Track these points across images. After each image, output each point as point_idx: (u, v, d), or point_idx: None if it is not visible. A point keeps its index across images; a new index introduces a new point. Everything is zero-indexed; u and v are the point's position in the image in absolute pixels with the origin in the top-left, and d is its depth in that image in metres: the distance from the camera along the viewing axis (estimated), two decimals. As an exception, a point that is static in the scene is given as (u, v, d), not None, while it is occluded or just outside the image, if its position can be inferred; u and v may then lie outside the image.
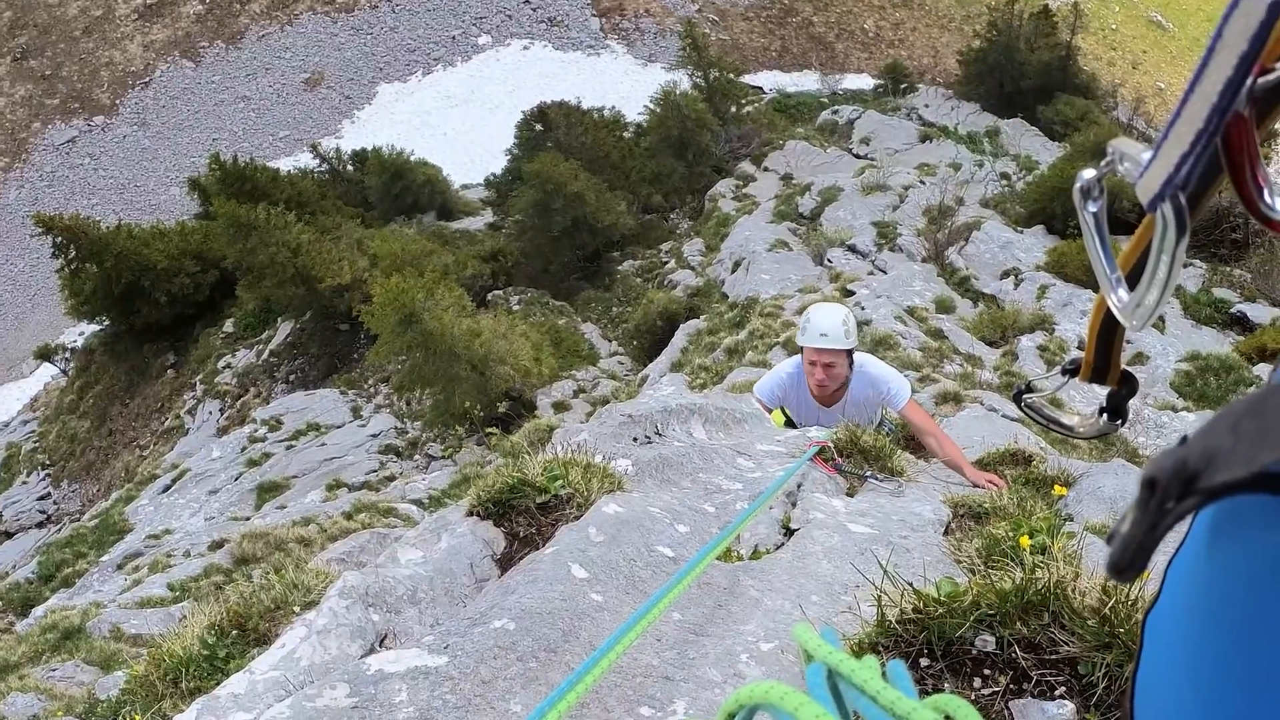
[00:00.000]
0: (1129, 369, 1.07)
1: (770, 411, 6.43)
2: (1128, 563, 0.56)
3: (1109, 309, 0.94)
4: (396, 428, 29.24)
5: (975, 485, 5.01)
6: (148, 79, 69.26)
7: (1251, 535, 0.57)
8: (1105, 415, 1.12)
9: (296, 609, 4.55)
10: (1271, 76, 0.63)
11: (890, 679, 0.76)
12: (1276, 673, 0.53)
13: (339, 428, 30.04)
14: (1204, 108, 0.63)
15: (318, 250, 36.56)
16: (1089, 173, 0.84)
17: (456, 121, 64.43)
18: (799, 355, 6.30)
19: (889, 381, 6.14)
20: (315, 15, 70.38)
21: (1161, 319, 18.66)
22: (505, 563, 3.57)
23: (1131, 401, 1.13)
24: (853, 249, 26.43)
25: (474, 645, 2.52)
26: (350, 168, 55.63)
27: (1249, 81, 0.62)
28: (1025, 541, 2.87)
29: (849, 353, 6.04)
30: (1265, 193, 0.70)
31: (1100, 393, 1.12)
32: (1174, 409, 14.81)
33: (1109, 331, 1.02)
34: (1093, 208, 0.85)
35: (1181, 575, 0.70)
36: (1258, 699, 0.55)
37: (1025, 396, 1.32)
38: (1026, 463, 5.61)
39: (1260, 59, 0.61)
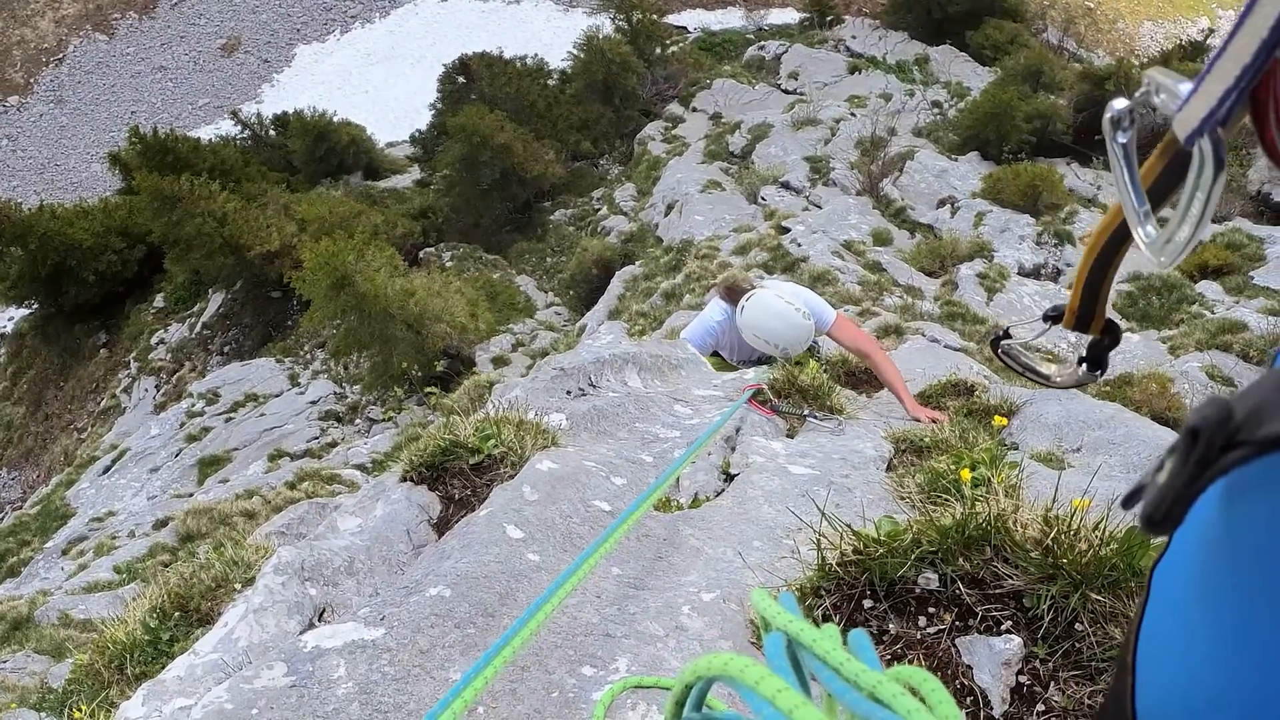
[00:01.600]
0: (1112, 318, 1.05)
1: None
2: (1163, 515, 0.54)
3: (1102, 254, 0.95)
4: (335, 393, 29.02)
5: (916, 420, 5.00)
6: (61, 55, 67.60)
7: (1275, 494, 0.56)
8: (1085, 365, 1.11)
9: (238, 586, 4.49)
10: None
11: (852, 649, 0.73)
12: None
13: (277, 396, 29.80)
14: (1253, 41, 0.62)
15: (245, 218, 36.08)
16: (1120, 102, 0.83)
17: (378, 79, 63.57)
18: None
19: (813, 306, 5.79)
20: (226, -23, 68.91)
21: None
22: (442, 526, 3.54)
23: (1111, 351, 1.11)
24: (786, 185, 26.47)
25: (410, 615, 2.49)
26: (273, 133, 54.80)
27: None
28: (966, 475, 2.85)
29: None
30: None
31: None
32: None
33: (1098, 277, 0.99)
34: (1123, 139, 0.83)
35: (1195, 529, 0.66)
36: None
37: (1002, 343, 1.29)
38: (969, 393, 5.61)
39: None
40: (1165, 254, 0.77)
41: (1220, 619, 0.59)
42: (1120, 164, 0.83)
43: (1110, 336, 1.06)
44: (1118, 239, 0.96)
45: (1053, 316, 1.11)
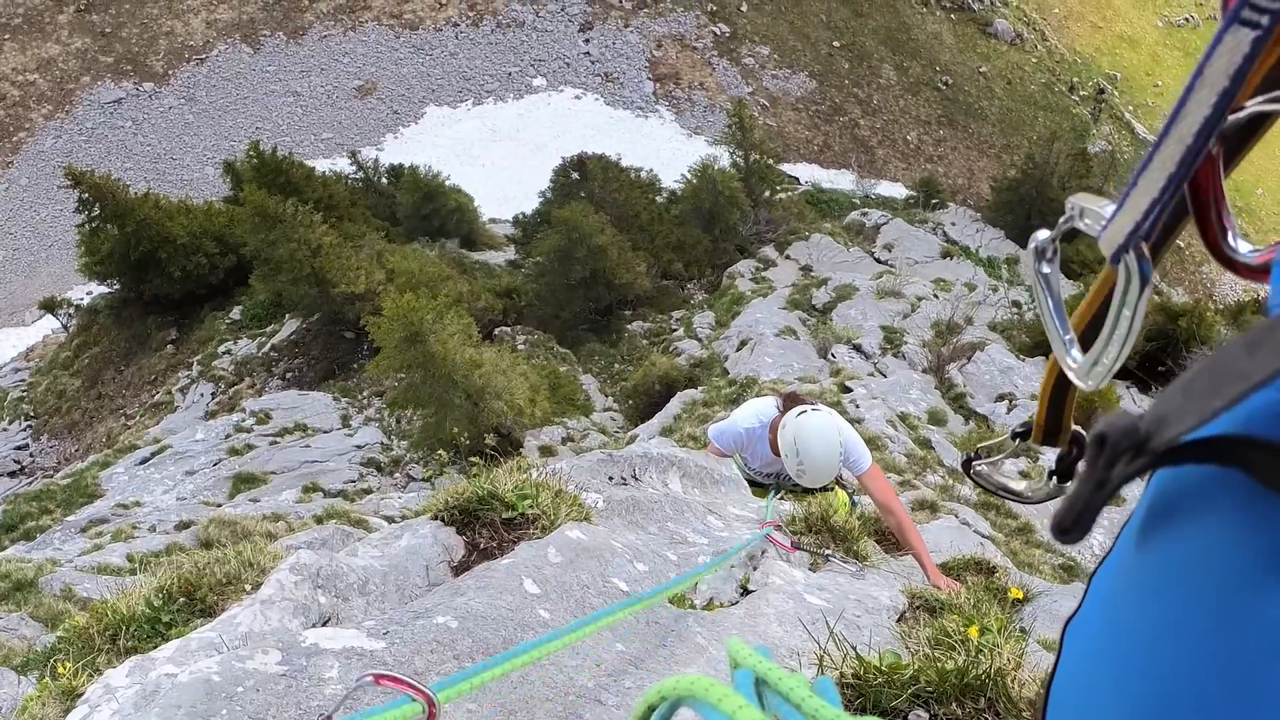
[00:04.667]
0: (1079, 430, 1.05)
1: (723, 455, 6.26)
2: (1072, 522, 0.54)
3: (1061, 371, 0.91)
4: (382, 443, 29.12)
5: (935, 586, 4.99)
6: (204, 55, 69.71)
7: (1189, 522, 0.57)
8: (1055, 479, 1.07)
9: (248, 587, 4.52)
10: (1241, 114, 0.63)
11: (818, 693, 0.76)
12: (1212, 668, 0.52)
13: (326, 433, 29.92)
14: (1178, 150, 0.61)
15: (337, 255, 36.65)
16: (1044, 233, 0.83)
17: (497, 156, 64.85)
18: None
19: (849, 451, 5.71)
20: (380, 26, 71.17)
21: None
22: (460, 571, 3.55)
23: (1081, 463, 1.13)
24: (858, 348, 26.51)
25: (414, 636, 2.53)
26: (385, 181, 55.96)
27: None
28: (974, 632, 2.87)
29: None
30: (1229, 235, 0.70)
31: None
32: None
33: (1061, 393, 0.99)
34: (1046, 269, 0.84)
35: (1108, 576, 0.69)
36: (1187, 693, 0.54)
37: (974, 464, 1.26)
38: (990, 573, 5.61)
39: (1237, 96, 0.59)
40: (1092, 378, 0.78)
41: (1122, 664, 0.61)
42: (1044, 292, 0.84)
43: (1078, 448, 1.05)
44: None
45: (1021, 433, 1.11)
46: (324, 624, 3.09)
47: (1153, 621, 0.58)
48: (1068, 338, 0.83)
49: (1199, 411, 0.48)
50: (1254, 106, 0.63)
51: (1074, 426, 1.04)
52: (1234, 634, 0.50)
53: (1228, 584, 0.52)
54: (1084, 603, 0.75)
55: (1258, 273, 0.69)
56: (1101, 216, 0.71)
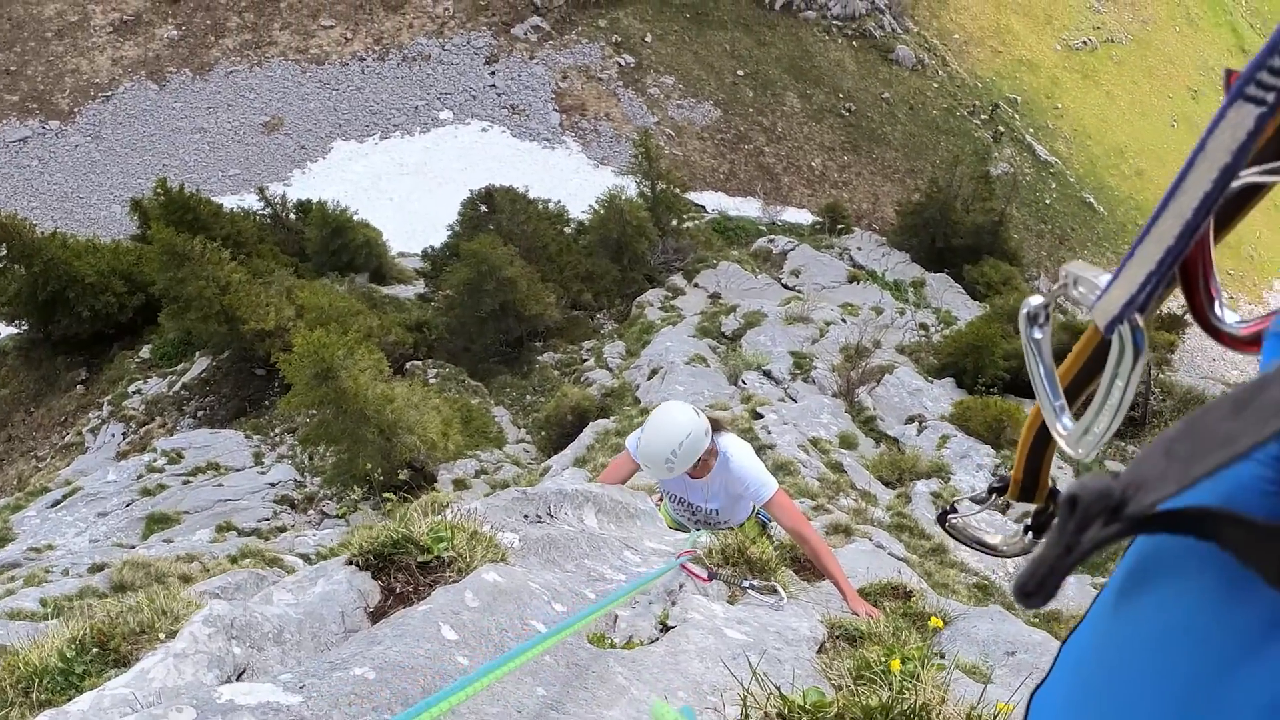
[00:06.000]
0: (1056, 486, 1.06)
1: (635, 467, 6.03)
2: (1035, 586, 0.53)
3: (1041, 428, 0.93)
4: (296, 480, 28.68)
5: (854, 613, 5.03)
6: (110, 93, 68.46)
7: (1168, 591, 0.56)
8: (1030, 533, 1.09)
9: (161, 635, 4.41)
10: (1234, 185, 0.62)
11: None
12: None
13: (239, 470, 29.40)
14: (1177, 224, 0.62)
15: (247, 292, 36.11)
16: (1037, 299, 0.82)
17: (404, 189, 64.49)
18: None
19: (748, 481, 5.55)
20: (286, 62, 70.45)
21: (1054, 481, 19.10)
22: (377, 616, 3.52)
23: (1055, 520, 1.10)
24: (768, 374, 26.79)
25: (330, 689, 2.49)
26: (293, 216, 55.25)
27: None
28: (896, 665, 2.90)
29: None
30: (1216, 304, 0.71)
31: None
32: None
33: (1039, 450, 0.99)
34: (1038, 334, 0.83)
35: (1080, 645, 0.69)
36: None
37: (950, 518, 1.27)
38: (907, 597, 5.70)
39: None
40: (1083, 446, 0.76)
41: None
42: (1035, 359, 0.84)
43: (1054, 504, 1.04)
44: None
45: (997, 488, 1.12)
46: (239, 676, 3.04)
47: (1125, 693, 0.58)
48: (1058, 404, 0.83)
49: (1179, 478, 0.46)
50: (1248, 177, 0.63)
51: (1051, 483, 1.05)
52: (1204, 709, 0.49)
53: (1205, 659, 0.50)
54: (1052, 672, 0.74)
55: (1244, 344, 0.70)
56: (1096, 286, 0.71)
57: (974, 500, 1.23)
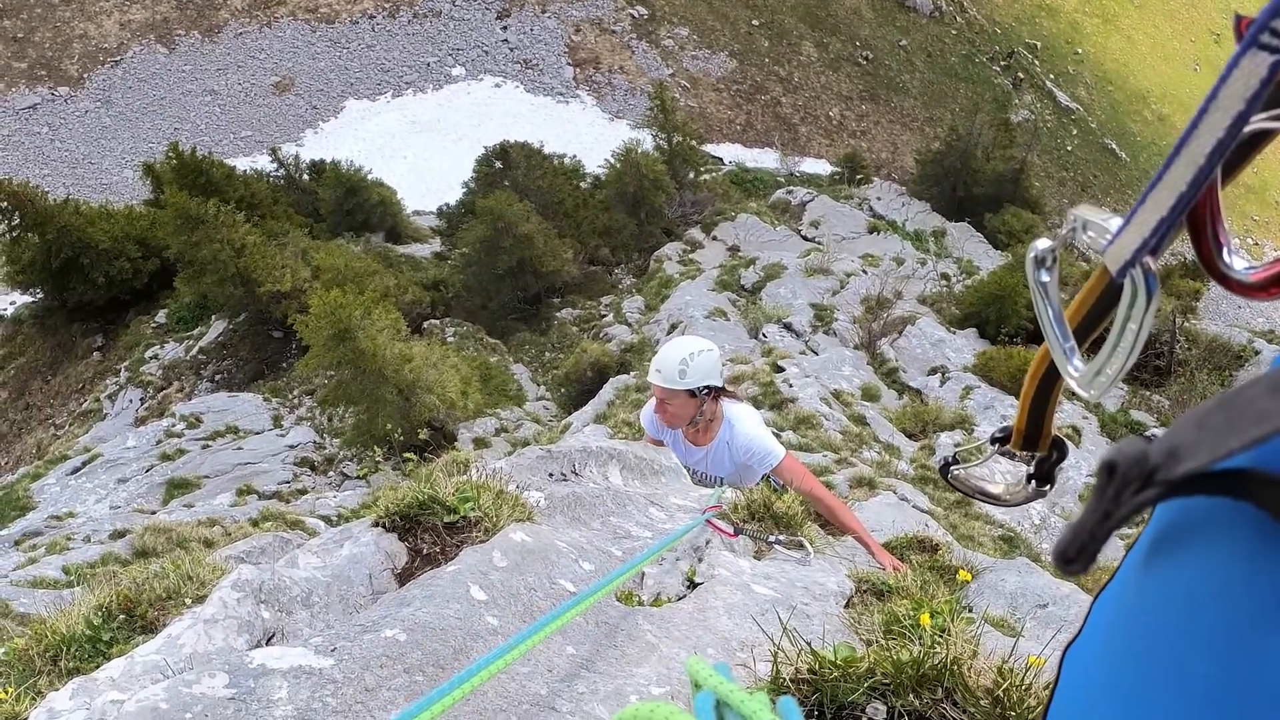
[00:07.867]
0: (1059, 435, 1.06)
1: (659, 443, 6.02)
2: (1076, 551, 0.54)
3: (1045, 375, 0.94)
4: (315, 442, 28.82)
5: (880, 566, 5.00)
6: (119, 58, 68.28)
7: (1197, 551, 0.56)
8: (1033, 482, 1.10)
9: (188, 601, 4.45)
10: (1244, 131, 0.62)
11: (781, 714, 0.74)
12: (1210, 709, 0.51)
13: (258, 434, 29.56)
14: (1189, 170, 0.62)
15: (262, 254, 36.18)
16: (1044, 242, 0.84)
17: (418, 147, 64.32)
18: None
19: (754, 449, 5.47)
20: (295, 21, 70.15)
21: (1078, 432, 19.03)
22: (405, 578, 3.51)
23: (1060, 466, 1.11)
24: (788, 327, 26.69)
25: (362, 651, 2.49)
26: (306, 177, 55.26)
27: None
28: (925, 619, 2.88)
29: (693, 394, 5.29)
30: (1224, 251, 0.71)
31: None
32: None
33: (1043, 399, 1.00)
34: (1045, 277, 0.85)
35: (1110, 602, 0.69)
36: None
37: (952, 468, 1.28)
38: (933, 550, 5.67)
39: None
40: (1094, 387, 0.78)
41: (1125, 693, 0.60)
42: (1044, 302, 0.85)
43: (1058, 452, 1.06)
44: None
45: (1000, 438, 1.12)
46: (269, 640, 3.05)
47: (1155, 653, 0.57)
48: (1068, 346, 0.84)
49: (1213, 448, 0.47)
50: (1257, 123, 0.64)
51: (1054, 432, 1.05)
52: (1236, 676, 0.49)
53: (1233, 621, 0.51)
54: (1084, 629, 0.74)
55: (1254, 290, 0.69)
56: (1107, 230, 0.72)
57: (977, 450, 1.24)
